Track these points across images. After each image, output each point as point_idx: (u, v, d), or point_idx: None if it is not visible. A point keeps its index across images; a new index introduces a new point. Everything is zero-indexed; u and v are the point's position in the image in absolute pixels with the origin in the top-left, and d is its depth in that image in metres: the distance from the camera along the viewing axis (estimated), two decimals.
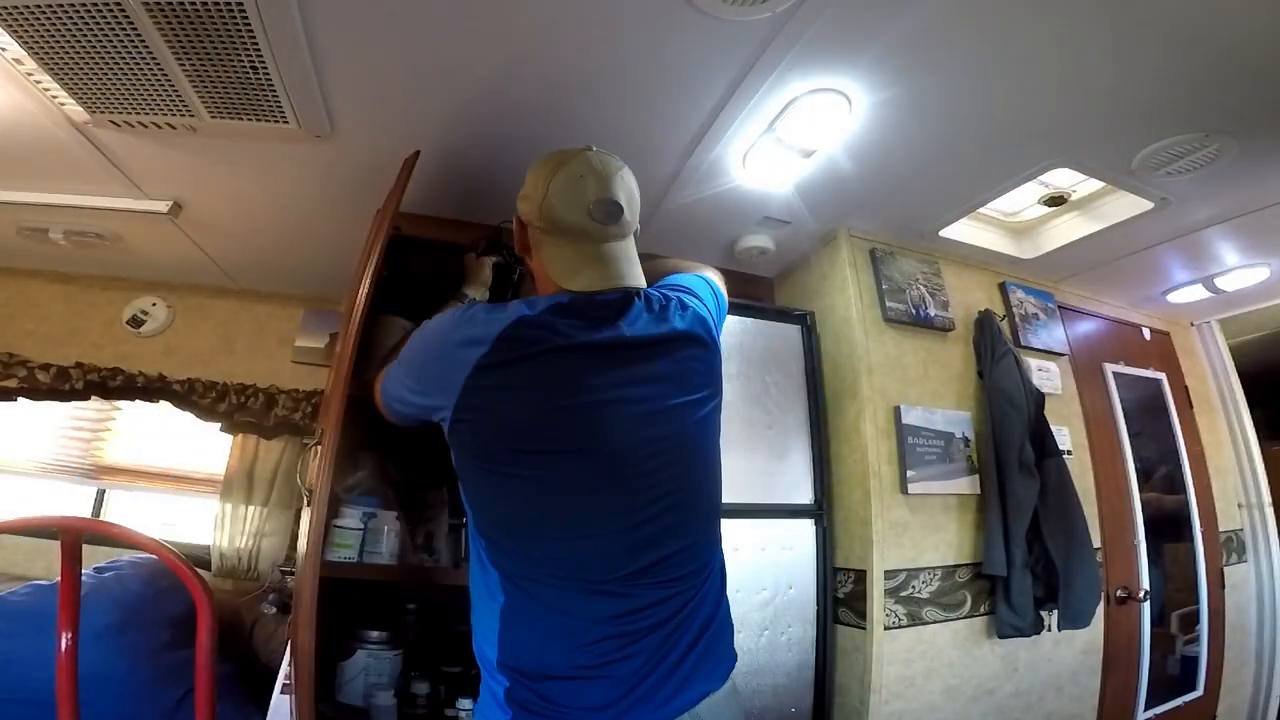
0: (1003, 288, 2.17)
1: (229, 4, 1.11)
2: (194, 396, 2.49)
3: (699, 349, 0.96)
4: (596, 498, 0.85)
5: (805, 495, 1.82)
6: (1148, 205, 1.74)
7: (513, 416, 0.85)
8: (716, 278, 1.17)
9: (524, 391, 0.85)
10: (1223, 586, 2.31)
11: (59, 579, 1.31)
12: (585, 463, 0.85)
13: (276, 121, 1.45)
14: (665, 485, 0.87)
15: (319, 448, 1.37)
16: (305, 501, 1.49)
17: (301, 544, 1.50)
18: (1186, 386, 2.52)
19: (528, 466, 0.85)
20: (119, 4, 1.11)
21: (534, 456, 0.85)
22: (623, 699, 0.79)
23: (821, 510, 1.81)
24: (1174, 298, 2.40)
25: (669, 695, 0.81)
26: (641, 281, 0.94)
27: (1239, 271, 2.17)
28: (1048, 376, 2.11)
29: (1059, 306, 2.28)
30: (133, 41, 1.20)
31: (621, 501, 0.85)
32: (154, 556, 1.34)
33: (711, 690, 0.85)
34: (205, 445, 2.60)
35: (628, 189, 0.95)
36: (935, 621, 1.70)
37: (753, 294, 2.19)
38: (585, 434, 0.85)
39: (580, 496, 0.85)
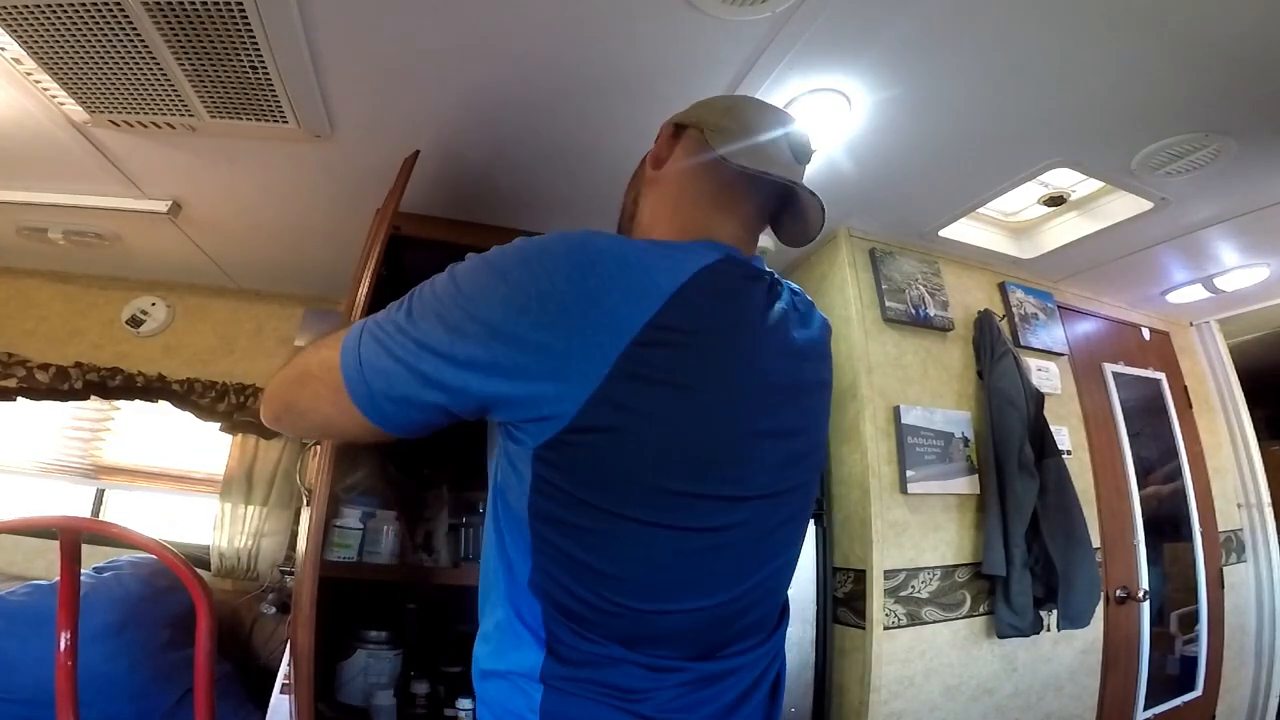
0: (1002, 288, 2.17)
1: (229, 4, 1.11)
2: (193, 396, 2.49)
3: (825, 389, 0.73)
4: (731, 560, 0.61)
5: None
6: (1147, 205, 1.74)
7: (679, 434, 0.55)
8: None
9: (701, 393, 0.56)
10: (1222, 586, 2.31)
11: (58, 579, 1.31)
12: (736, 510, 0.60)
13: (276, 121, 1.45)
14: (787, 550, 0.68)
15: (318, 447, 1.37)
16: (304, 501, 1.49)
17: (301, 544, 1.50)
18: (1186, 386, 2.52)
19: (677, 512, 0.57)
20: (119, 4, 1.11)
21: (689, 501, 0.57)
22: None
23: (821, 510, 1.81)
24: (1173, 298, 2.40)
25: None
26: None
27: (1238, 271, 2.17)
28: (1047, 376, 2.11)
29: (1058, 306, 2.28)
30: (133, 41, 1.20)
31: (753, 564, 0.62)
32: (153, 556, 1.34)
33: None
34: (205, 445, 2.60)
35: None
36: (935, 621, 1.70)
37: None
38: (748, 475, 0.60)
39: (717, 559, 0.60)
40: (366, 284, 1.41)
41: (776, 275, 0.69)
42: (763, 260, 0.69)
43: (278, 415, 0.66)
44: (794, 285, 0.73)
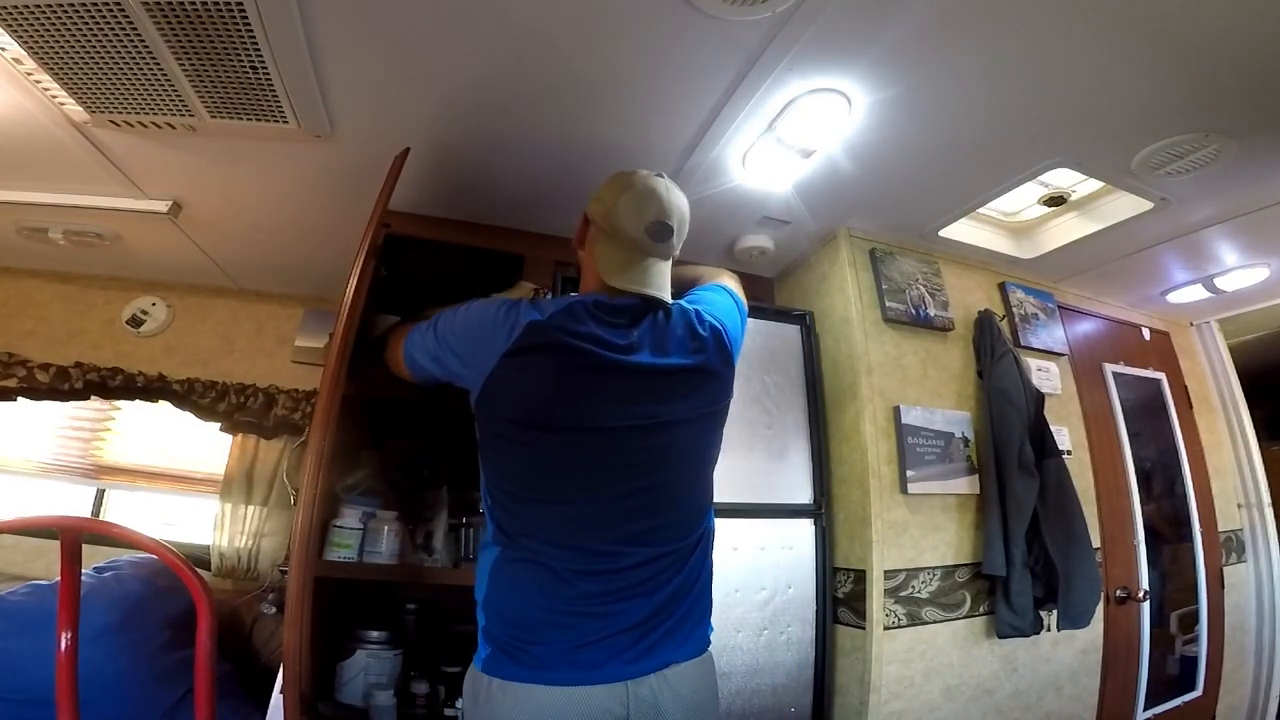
0: (1002, 288, 2.17)
1: (229, 4, 1.11)
2: (193, 396, 2.49)
3: (705, 378, 1.07)
4: (589, 474, 0.99)
5: (805, 495, 1.82)
6: (1147, 205, 1.74)
7: (526, 394, 0.99)
8: (735, 285, 1.31)
9: (536, 373, 0.99)
10: (1222, 586, 2.31)
11: (58, 579, 1.31)
12: (583, 441, 0.99)
13: (276, 121, 1.45)
14: (651, 475, 1.01)
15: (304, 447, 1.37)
16: (292, 501, 1.49)
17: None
18: (1186, 387, 2.52)
19: (536, 437, 1.00)
20: (119, 4, 1.11)
21: (540, 431, 0.99)
22: (586, 647, 0.91)
23: (821, 510, 1.81)
24: (1174, 298, 2.40)
25: (635, 656, 0.92)
26: (668, 298, 1.08)
27: (1238, 271, 2.17)
28: (1047, 376, 2.11)
29: (1058, 306, 2.28)
30: (133, 41, 1.20)
31: (609, 478, 0.99)
32: (153, 556, 1.34)
33: (676, 661, 0.95)
34: (205, 445, 2.60)
35: (681, 218, 1.09)
36: (935, 621, 1.70)
37: (752, 294, 2.16)
38: (585, 418, 0.99)
39: (575, 472, 0.99)
40: (354, 282, 1.41)
41: (660, 306, 1.08)
42: (641, 298, 1.07)
43: (387, 361, 1.26)
44: (683, 309, 1.11)
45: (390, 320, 1.55)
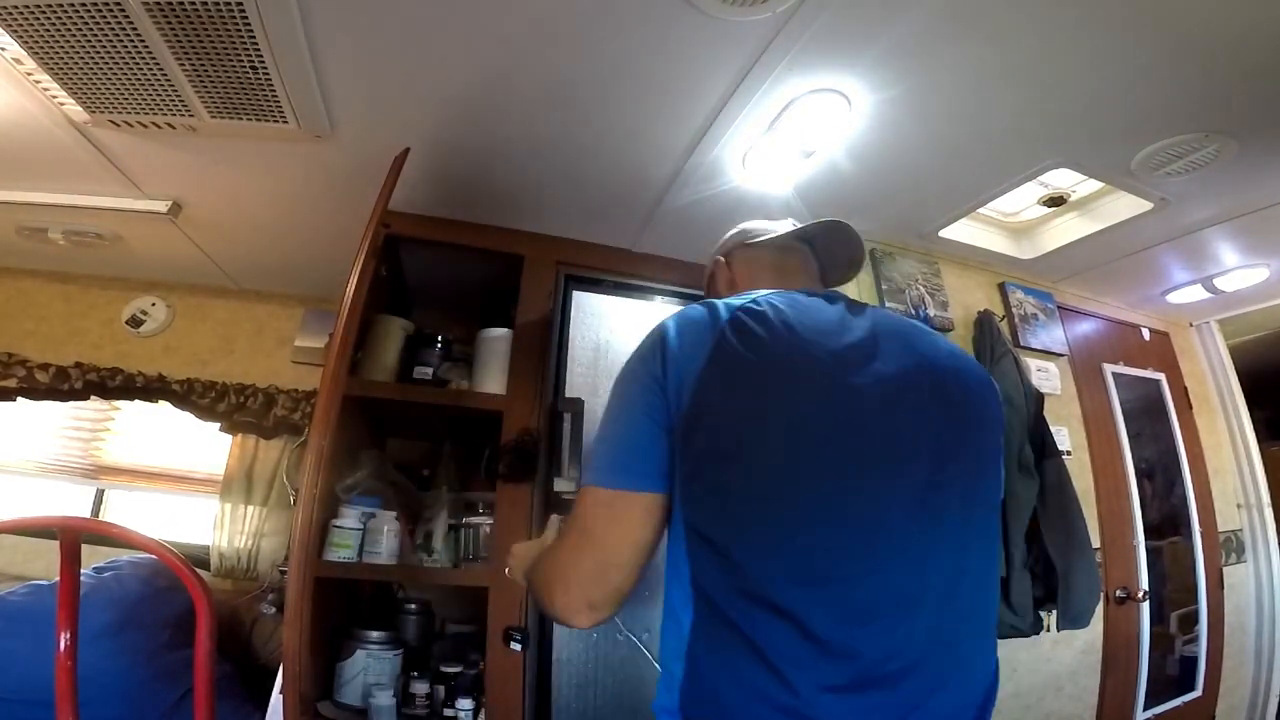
0: (1002, 288, 2.17)
1: (229, 4, 1.11)
2: (193, 396, 2.49)
3: None
4: None
5: None
6: (1147, 205, 1.74)
7: None
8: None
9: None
10: (1222, 587, 2.31)
11: (58, 579, 1.31)
12: None
13: (276, 121, 1.45)
14: None
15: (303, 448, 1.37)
16: (292, 501, 1.49)
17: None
18: (1186, 387, 2.52)
19: None
20: (119, 4, 1.11)
21: None
22: None
23: None
24: (1173, 298, 2.40)
25: None
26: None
27: (1238, 272, 2.17)
28: (1047, 377, 2.11)
29: (1058, 307, 2.28)
30: (133, 41, 1.20)
31: None
32: (153, 556, 1.34)
33: None
34: (204, 445, 2.60)
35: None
36: None
37: None
38: None
39: None
40: (353, 283, 1.41)
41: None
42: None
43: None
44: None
45: (399, 326, 1.61)
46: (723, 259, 1.02)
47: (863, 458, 0.66)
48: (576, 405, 1.46)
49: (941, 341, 0.81)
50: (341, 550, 1.49)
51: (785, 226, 0.99)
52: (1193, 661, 2.19)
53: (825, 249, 0.99)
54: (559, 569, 0.69)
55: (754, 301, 0.74)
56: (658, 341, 0.72)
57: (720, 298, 0.80)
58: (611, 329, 1.73)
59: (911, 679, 0.62)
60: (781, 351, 0.70)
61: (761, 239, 0.99)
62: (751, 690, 0.61)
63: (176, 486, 2.63)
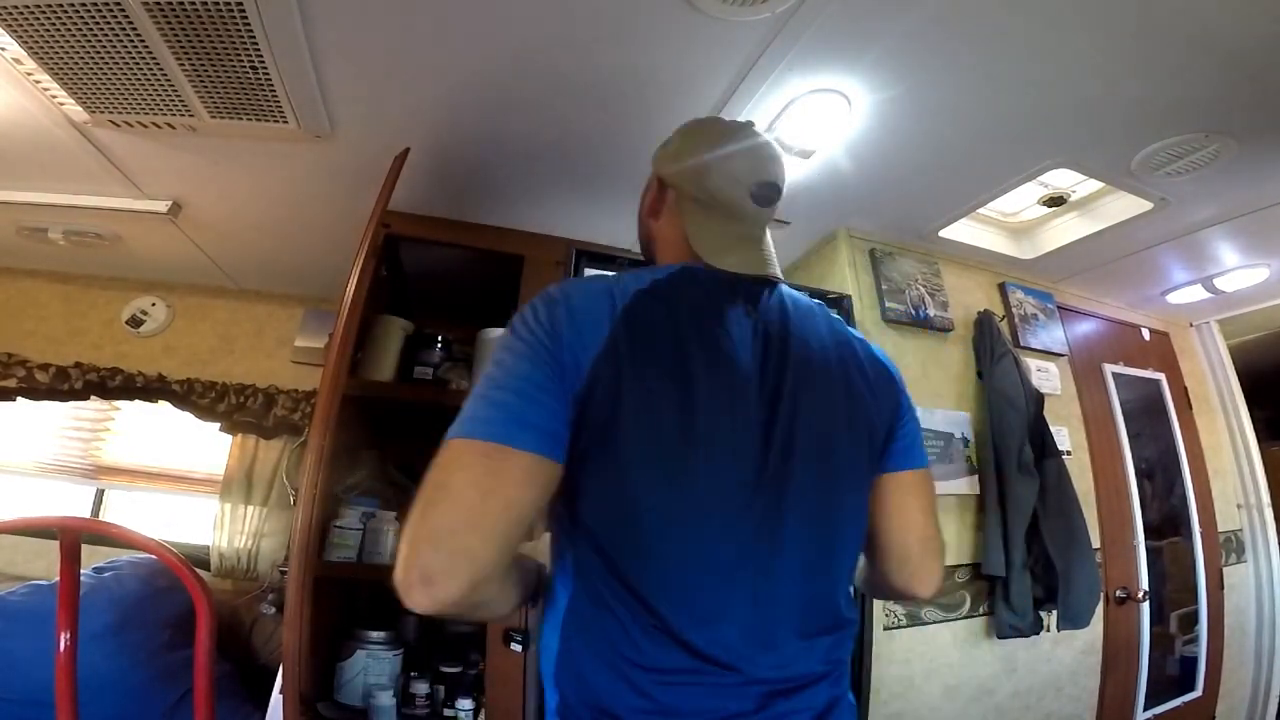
0: (1002, 288, 2.17)
1: (229, 4, 1.11)
2: (193, 396, 2.49)
3: None
4: None
5: None
6: (1147, 205, 1.74)
7: None
8: None
9: None
10: (1222, 587, 2.31)
11: (58, 579, 1.31)
12: None
13: (276, 121, 1.45)
14: None
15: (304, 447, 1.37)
16: (292, 501, 1.49)
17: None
18: (1186, 387, 2.52)
19: None
20: (119, 4, 1.11)
21: None
22: None
23: None
24: (1173, 298, 2.40)
25: None
26: (779, 274, 0.82)
27: (1238, 272, 2.17)
28: (1047, 377, 2.11)
29: (1058, 307, 2.28)
30: (133, 41, 1.20)
31: None
32: (153, 556, 1.34)
33: None
34: (204, 445, 2.60)
35: (782, 176, 0.83)
36: (935, 622, 1.70)
37: None
38: None
39: None
40: (353, 283, 1.41)
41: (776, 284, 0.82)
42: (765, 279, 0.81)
43: None
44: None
45: (399, 326, 1.53)
46: (658, 190, 0.87)
47: (739, 458, 0.65)
48: None
49: (823, 322, 0.80)
50: (342, 550, 1.49)
51: (734, 180, 0.80)
52: (1193, 662, 2.19)
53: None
54: (403, 534, 0.56)
55: (653, 283, 0.71)
56: (552, 308, 0.66)
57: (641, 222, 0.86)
58: None
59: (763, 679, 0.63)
60: (669, 344, 0.67)
61: (706, 198, 0.80)
62: (613, 668, 0.61)
63: (176, 486, 2.63)
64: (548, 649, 0.66)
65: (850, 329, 0.84)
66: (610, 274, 0.73)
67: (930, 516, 0.83)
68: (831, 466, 0.70)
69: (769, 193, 0.80)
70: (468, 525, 0.54)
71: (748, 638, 0.63)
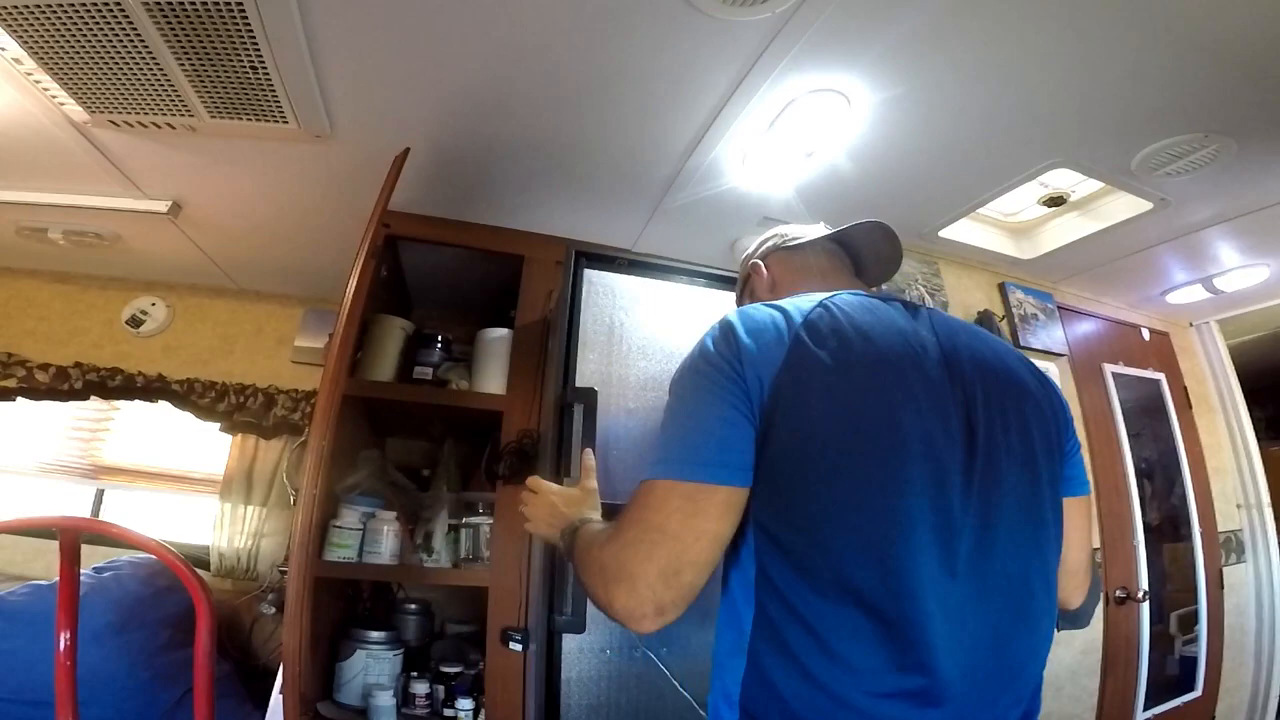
0: (1002, 288, 2.17)
1: (229, 4, 1.11)
2: (193, 396, 2.49)
3: None
4: None
5: None
6: (1147, 205, 1.74)
7: None
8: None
9: None
10: (1221, 587, 2.31)
11: (58, 579, 1.31)
12: None
13: (276, 121, 1.45)
14: None
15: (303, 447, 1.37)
16: (292, 501, 1.48)
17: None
18: (1185, 387, 2.52)
19: None
20: (119, 4, 1.11)
21: None
22: None
23: None
24: (1173, 298, 2.40)
25: None
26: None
27: (1238, 272, 2.17)
28: None
29: (1058, 307, 2.28)
30: (133, 41, 1.20)
31: None
32: (153, 556, 1.34)
33: None
34: (204, 445, 2.60)
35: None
36: None
37: None
38: None
39: None
40: (354, 283, 1.41)
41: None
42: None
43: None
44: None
45: (399, 326, 1.52)
46: (760, 263, 1.00)
47: (948, 466, 0.65)
48: (589, 396, 1.31)
49: (994, 340, 0.81)
50: (341, 550, 1.49)
51: (819, 230, 0.98)
52: (1192, 662, 2.19)
53: (863, 248, 0.97)
54: (622, 568, 0.62)
55: (823, 306, 0.73)
56: (729, 335, 0.70)
57: (760, 301, 0.82)
58: (627, 310, 1.54)
59: (973, 693, 0.63)
60: (859, 357, 0.68)
61: (800, 241, 0.98)
62: (815, 684, 0.60)
63: (176, 486, 2.63)
64: (727, 669, 0.66)
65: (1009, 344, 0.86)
66: (772, 304, 0.76)
67: (1088, 538, 0.87)
68: (1034, 476, 0.72)
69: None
70: (690, 564, 0.62)
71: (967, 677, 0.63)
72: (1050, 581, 0.74)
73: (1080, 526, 0.82)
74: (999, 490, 0.68)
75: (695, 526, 0.62)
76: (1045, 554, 0.72)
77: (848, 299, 0.76)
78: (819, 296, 0.76)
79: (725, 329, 0.71)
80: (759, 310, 0.73)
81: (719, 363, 0.68)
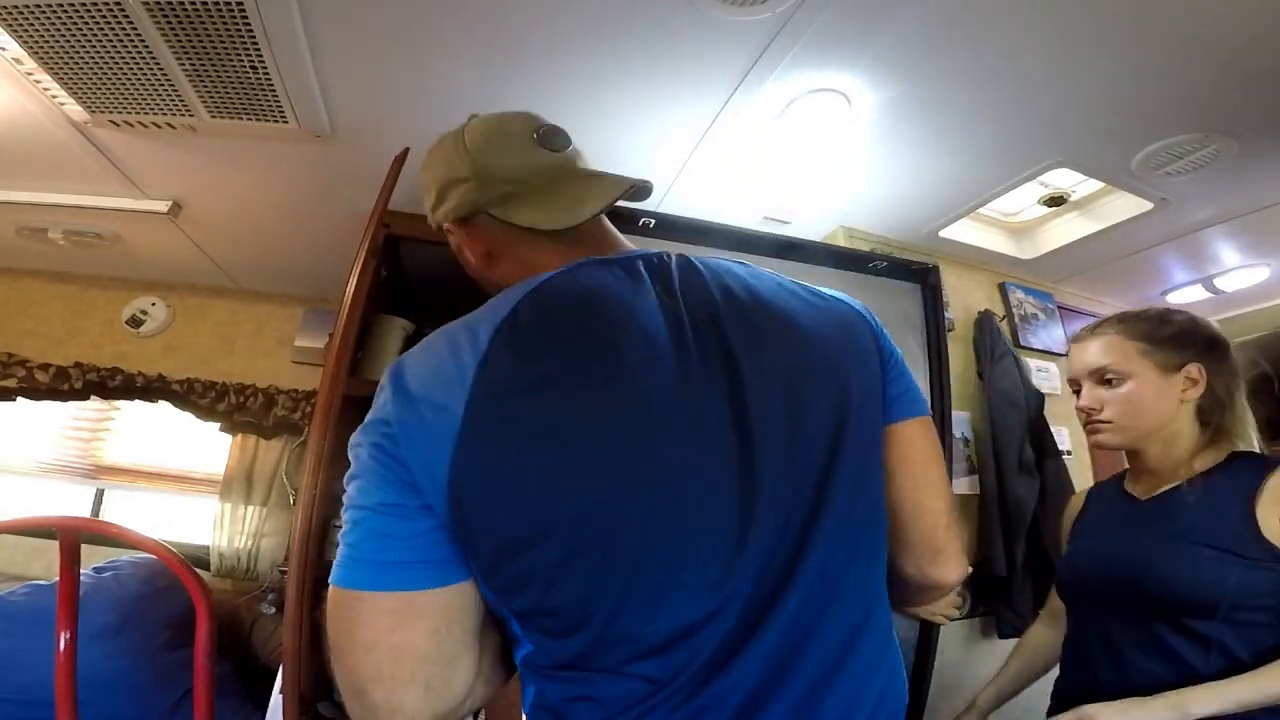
0: (1002, 288, 2.17)
1: (229, 4, 1.11)
2: (193, 396, 2.49)
3: None
4: None
5: None
6: (1147, 205, 1.74)
7: None
8: None
9: None
10: None
11: (58, 579, 1.31)
12: None
13: (276, 121, 1.45)
14: None
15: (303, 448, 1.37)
16: (292, 501, 1.48)
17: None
18: None
19: None
20: (119, 4, 1.11)
21: None
22: None
23: None
24: (1173, 298, 2.40)
25: None
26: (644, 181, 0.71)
27: (1238, 272, 2.17)
28: (1047, 377, 2.11)
29: (1058, 307, 2.28)
30: (133, 41, 1.20)
31: None
32: (153, 556, 1.34)
33: None
34: (204, 445, 2.60)
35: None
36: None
37: None
38: None
39: None
40: (353, 283, 1.41)
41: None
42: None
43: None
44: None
45: (399, 326, 1.51)
46: (452, 226, 0.74)
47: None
48: None
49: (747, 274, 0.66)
50: None
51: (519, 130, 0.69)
52: None
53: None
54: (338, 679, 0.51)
55: (514, 310, 0.55)
56: (386, 400, 0.52)
57: (482, 277, 0.69)
58: None
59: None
60: (567, 374, 0.52)
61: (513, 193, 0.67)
62: None
63: (176, 486, 2.63)
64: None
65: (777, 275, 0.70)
66: (456, 323, 0.57)
67: (945, 476, 0.66)
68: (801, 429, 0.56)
69: (554, 130, 0.69)
70: (370, 680, 0.49)
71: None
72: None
73: (923, 459, 0.65)
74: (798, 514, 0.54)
75: (360, 638, 0.49)
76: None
77: (540, 293, 0.58)
78: (513, 296, 0.58)
79: (384, 391, 0.54)
80: (432, 345, 0.55)
81: (373, 442, 0.52)
